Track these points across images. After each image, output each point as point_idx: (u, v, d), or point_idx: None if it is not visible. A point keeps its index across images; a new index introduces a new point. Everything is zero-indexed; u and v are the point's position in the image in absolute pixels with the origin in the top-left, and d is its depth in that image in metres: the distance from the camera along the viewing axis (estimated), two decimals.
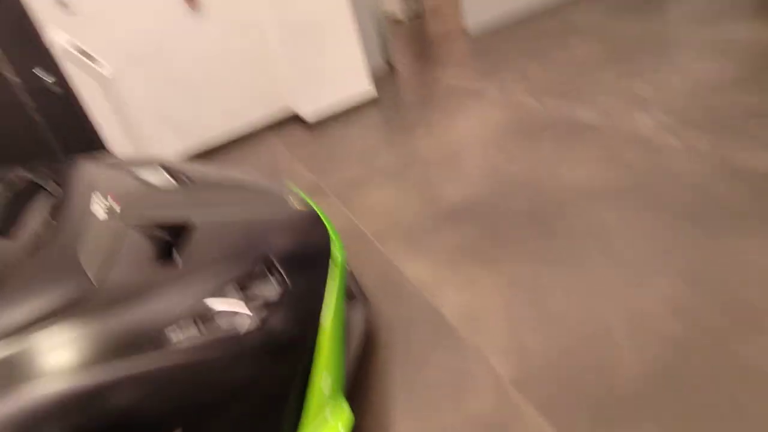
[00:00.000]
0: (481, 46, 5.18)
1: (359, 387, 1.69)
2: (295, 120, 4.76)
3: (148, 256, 1.36)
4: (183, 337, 1.13)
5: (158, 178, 1.91)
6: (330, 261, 1.60)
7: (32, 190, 1.87)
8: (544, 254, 2.04)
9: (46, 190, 1.83)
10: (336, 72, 4.28)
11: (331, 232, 1.73)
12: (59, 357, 1.06)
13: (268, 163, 3.96)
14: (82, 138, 3.93)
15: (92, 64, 2.76)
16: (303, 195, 2.01)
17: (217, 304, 1.22)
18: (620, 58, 3.66)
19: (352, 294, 1.82)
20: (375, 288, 2.16)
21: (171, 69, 4.19)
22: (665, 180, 2.25)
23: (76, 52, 2.76)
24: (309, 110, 4.35)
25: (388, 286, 2.16)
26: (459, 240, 2.30)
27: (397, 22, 7.76)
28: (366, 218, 2.72)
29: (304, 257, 1.53)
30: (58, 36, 2.78)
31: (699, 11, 4.07)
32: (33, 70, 2.72)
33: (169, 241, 1.44)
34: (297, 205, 1.80)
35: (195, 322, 1.16)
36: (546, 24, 5.12)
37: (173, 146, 4.44)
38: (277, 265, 1.39)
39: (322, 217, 1.81)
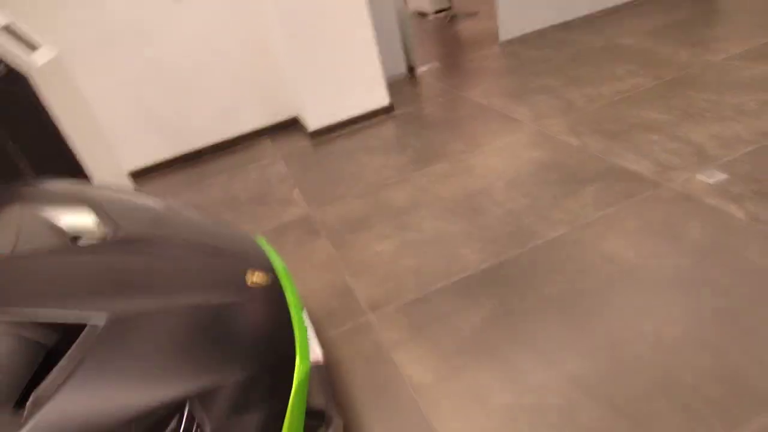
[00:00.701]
0: (516, 58, 4.66)
1: None
2: (296, 126, 4.30)
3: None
4: None
5: (79, 223, 1.44)
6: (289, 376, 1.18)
7: None
8: (579, 359, 1.59)
9: None
10: (347, 75, 3.81)
11: (297, 323, 1.30)
12: None
13: (258, 180, 3.52)
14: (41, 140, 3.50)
15: (21, 52, 2.28)
16: (272, 253, 1.57)
17: None
18: (675, 95, 3.15)
19: (319, 414, 1.38)
20: (359, 389, 1.73)
21: (153, 60, 3.74)
22: (732, 264, 1.78)
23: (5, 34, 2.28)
24: (313, 117, 3.89)
25: (378, 390, 1.72)
26: (473, 324, 1.86)
27: (422, 15, 7.23)
28: (362, 278, 2.28)
29: (248, 385, 1.09)
30: None
31: (754, 40, 3.54)
32: None
33: (49, 350, 0.99)
34: (256, 279, 1.35)
35: None
36: (588, 40, 4.58)
37: (155, 149, 4.01)
38: (198, 411, 0.96)
39: (289, 297, 1.38)
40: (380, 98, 3.99)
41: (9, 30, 2.39)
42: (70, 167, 3.91)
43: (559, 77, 3.91)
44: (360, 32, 3.70)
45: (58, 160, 3.88)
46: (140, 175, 4.05)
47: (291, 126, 4.31)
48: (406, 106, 4.15)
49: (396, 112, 4.07)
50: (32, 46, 2.51)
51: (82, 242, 1.35)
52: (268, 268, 1.43)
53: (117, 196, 1.64)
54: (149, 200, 1.71)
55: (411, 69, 4.90)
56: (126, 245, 1.31)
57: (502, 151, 3.05)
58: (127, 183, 3.06)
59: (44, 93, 2.39)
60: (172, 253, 1.35)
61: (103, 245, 1.29)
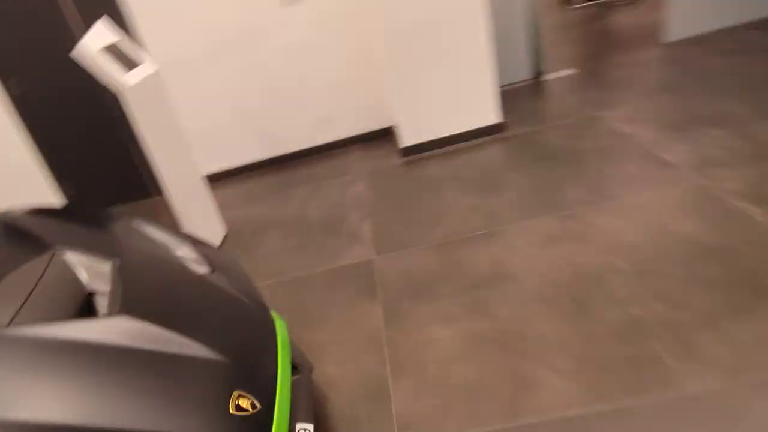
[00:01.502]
0: (685, 66, 3.64)
1: None
2: (390, 137, 3.83)
3: None
4: None
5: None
6: None
7: None
8: None
9: None
10: (452, 84, 3.21)
11: None
12: None
13: (335, 202, 3.12)
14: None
15: (118, 72, 2.19)
16: (284, 347, 1.42)
17: None
18: None
19: None
20: None
21: (256, 65, 3.54)
22: None
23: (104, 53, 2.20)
24: (408, 130, 3.37)
25: None
26: None
27: (565, 3, 6.22)
28: (405, 379, 1.75)
29: None
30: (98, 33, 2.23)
31: None
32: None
33: None
34: (242, 403, 1.16)
35: None
36: None
37: (247, 151, 3.84)
38: None
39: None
40: (489, 115, 3.33)
41: (113, 49, 2.33)
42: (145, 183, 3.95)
43: (747, 102, 2.89)
44: (474, 37, 3.07)
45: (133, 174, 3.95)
46: (229, 176, 3.91)
47: (385, 136, 3.85)
48: (521, 125, 3.43)
49: (507, 132, 3.38)
50: (133, 64, 2.43)
51: None
52: (265, 390, 1.24)
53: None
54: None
55: (538, 75, 4.11)
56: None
57: (639, 213, 2.25)
58: (202, 187, 2.85)
59: (133, 111, 2.33)
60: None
61: None
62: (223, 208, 3.39)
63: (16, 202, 3.93)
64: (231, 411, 1.13)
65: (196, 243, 1.77)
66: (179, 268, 1.54)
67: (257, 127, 3.76)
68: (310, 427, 1.39)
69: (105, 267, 1.42)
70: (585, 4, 5.96)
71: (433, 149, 3.41)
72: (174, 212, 2.61)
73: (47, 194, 3.87)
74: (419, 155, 3.40)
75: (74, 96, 3.53)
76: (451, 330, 1.90)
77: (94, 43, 2.23)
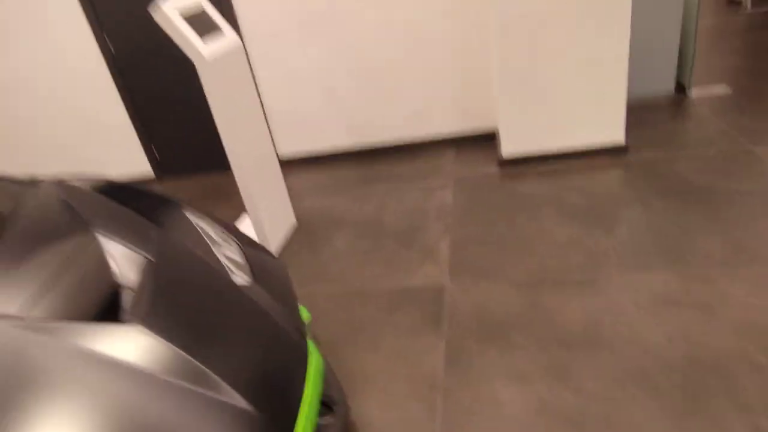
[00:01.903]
0: None
1: None
2: (490, 142, 3.49)
3: None
4: None
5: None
6: None
7: None
8: None
9: None
10: (570, 92, 2.81)
11: None
12: None
13: (415, 208, 2.88)
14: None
15: (197, 41, 2.11)
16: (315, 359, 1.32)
17: None
18: None
19: None
20: None
21: (351, 48, 3.35)
22: None
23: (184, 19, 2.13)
24: (510, 139, 3.03)
25: None
26: None
27: (734, 3, 5.36)
28: None
29: None
30: None
31: None
32: None
33: None
34: None
35: None
36: None
37: (335, 137, 3.71)
38: None
39: None
40: (612, 132, 2.88)
41: (196, 15, 2.28)
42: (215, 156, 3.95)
43: None
44: (608, 35, 2.63)
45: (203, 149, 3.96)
46: (308, 162, 3.83)
47: (483, 141, 3.52)
48: (649, 149, 2.93)
49: (630, 156, 2.91)
50: (215, 33, 2.35)
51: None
52: None
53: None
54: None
55: (679, 89, 3.52)
56: None
57: None
58: (276, 171, 2.77)
59: (208, 82, 2.24)
60: None
61: None
62: (297, 196, 3.30)
63: (105, 160, 4.16)
64: None
65: (245, 244, 1.63)
66: (218, 275, 1.40)
67: (344, 113, 3.60)
68: None
69: (139, 261, 1.32)
70: (759, 9, 5.07)
71: (537, 164, 3.03)
72: (241, 193, 2.52)
73: (135, 156, 4.04)
74: (520, 168, 3.04)
75: (169, 59, 3.58)
76: (520, 393, 1.60)
77: (176, 6, 2.16)
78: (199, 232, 1.57)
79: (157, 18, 2.14)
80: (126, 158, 4.07)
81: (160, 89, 3.72)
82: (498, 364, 1.73)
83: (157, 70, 3.64)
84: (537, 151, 3.01)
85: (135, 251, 1.35)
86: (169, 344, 1.09)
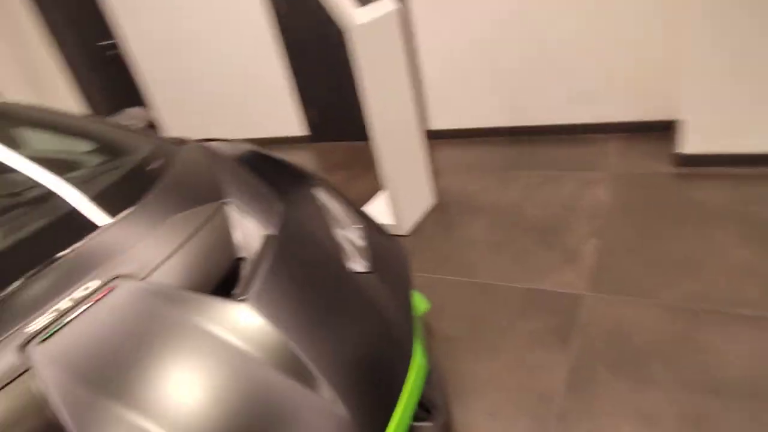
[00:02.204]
0: None
1: None
2: (666, 133, 3.03)
3: None
4: None
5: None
6: None
7: None
8: None
9: None
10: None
11: None
12: None
13: (564, 202, 2.66)
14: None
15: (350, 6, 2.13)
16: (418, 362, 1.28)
17: None
18: None
19: None
20: None
21: (517, 12, 3.12)
22: None
23: None
24: (696, 134, 2.59)
25: None
26: None
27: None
28: None
29: None
30: None
31: None
32: None
33: None
34: None
35: None
36: None
37: (490, 113, 3.56)
38: None
39: None
40: None
41: None
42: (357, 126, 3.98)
43: None
44: None
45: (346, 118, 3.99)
46: (457, 137, 3.75)
47: (659, 131, 3.08)
48: None
49: None
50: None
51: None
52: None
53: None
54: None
55: None
56: None
57: None
58: (419, 146, 2.77)
59: (357, 51, 2.25)
60: None
61: None
62: (440, 173, 3.26)
63: (264, 120, 4.52)
64: None
65: (369, 227, 1.62)
66: (333, 259, 1.41)
67: (505, 88, 3.41)
68: None
69: (259, 235, 1.35)
70: None
71: (724, 165, 2.57)
72: (379, 168, 2.56)
73: (292, 118, 4.32)
74: (700, 169, 2.61)
75: (333, 21, 3.68)
76: None
77: None
78: (323, 211, 1.58)
79: None
80: (283, 119, 4.40)
81: (322, 52, 3.88)
82: (627, 399, 1.55)
83: (321, 32, 3.79)
84: (727, 150, 2.54)
85: (258, 224, 1.38)
86: (275, 329, 1.10)
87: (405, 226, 2.67)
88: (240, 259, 1.28)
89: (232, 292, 1.18)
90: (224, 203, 1.43)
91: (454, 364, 1.83)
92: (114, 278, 1.15)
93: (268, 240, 1.33)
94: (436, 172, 3.28)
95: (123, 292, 1.11)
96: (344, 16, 2.21)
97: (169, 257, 1.23)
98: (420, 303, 1.91)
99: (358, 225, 1.60)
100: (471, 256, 2.40)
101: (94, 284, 1.14)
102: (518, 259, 2.30)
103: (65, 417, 0.90)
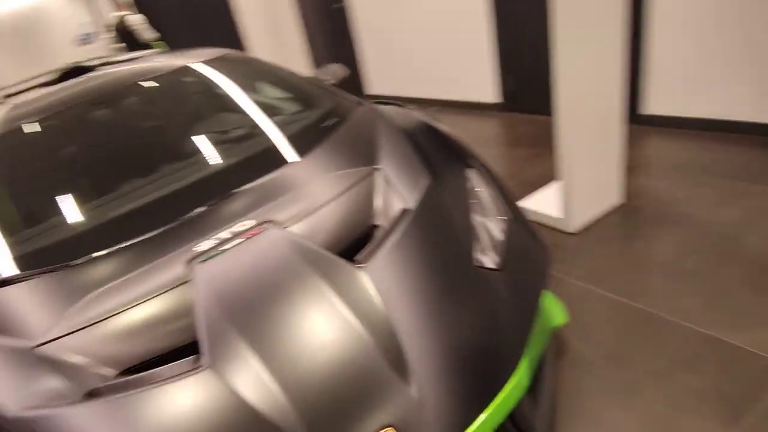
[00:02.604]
0: None
1: None
2: None
3: None
4: None
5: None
6: None
7: None
8: None
9: None
10: None
11: None
12: None
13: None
14: None
15: None
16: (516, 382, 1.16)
17: None
18: None
19: None
20: None
21: None
22: None
23: None
24: None
25: None
26: None
27: None
28: None
29: None
30: None
31: None
32: None
33: None
34: None
35: None
36: None
37: (732, 101, 2.83)
38: None
39: None
40: None
41: None
42: None
43: None
44: None
45: None
46: (691, 128, 3.04)
47: None
48: None
49: None
50: None
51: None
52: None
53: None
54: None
55: None
56: None
57: None
58: (615, 133, 2.34)
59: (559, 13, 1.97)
60: None
61: None
62: (638, 169, 2.70)
63: (460, 83, 4.30)
64: None
65: (516, 222, 1.49)
66: (465, 247, 1.34)
67: (758, 72, 2.63)
68: None
69: (398, 206, 1.39)
70: None
71: None
72: (558, 149, 2.20)
73: (488, 84, 4.03)
74: None
75: None
76: None
77: None
78: (470, 194, 1.50)
79: None
80: (478, 84, 4.17)
81: (533, 13, 3.53)
82: None
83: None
84: None
85: (399, 196, 1.42)
86: (383, 306, 1.13)
87: (574, 223, 2.30)
88: (375, 227, 1.35)
89: (355, 257, 1.24)
90: (375, 169, 1.50)
91: (575, 396, 1.53)
92: (265, 222, 1.32)
93: (404, 214, 1.36)
94: (633, 167, 2.73)
95: (268, 236, 1.26)
96: None
97: (314, 212, 1.36)
98: (556, 313, 1.62)
99: (503, 216, 1.48)
100: (647, 277, 1.95)
101: (249, 223, 1.33)
102: (712, 296, 1.78)
103: (202, 332, 1.07)
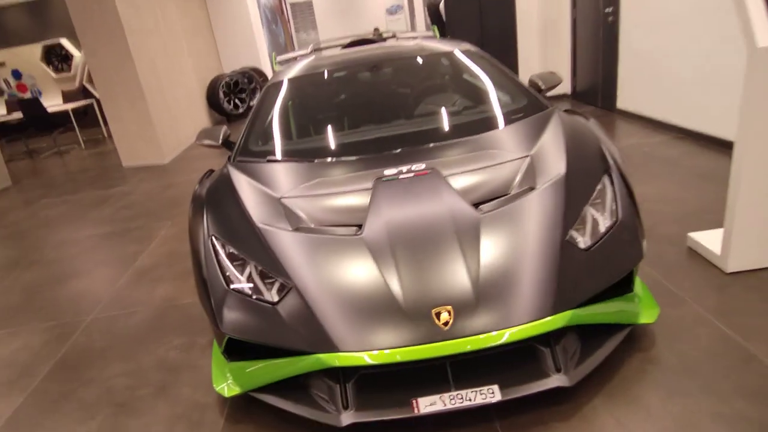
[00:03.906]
0: None
1: None
2: None
3: None
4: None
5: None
6: None
7: None
8: None
9: None
10: None
11: None
12: None
13: None
14: None
15: None
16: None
17: None
18: None
19: None
20: None
21: None
22: None
23: None
24: None
25: None
26: None
27: None
28: None
29: None
30: None
31: None
32: None
33: None
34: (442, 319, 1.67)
35: None
36: None
37: None
38: None
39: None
40: None
41: None
42: None
43: None
44: None
45: None
46: None
47: None
48: None
49: None
50: None
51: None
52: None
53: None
54: None
55: None
56: None
57: None
58: None
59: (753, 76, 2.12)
60: None
61: None
62: None
63: (702, 115, 4.02)
64: None
65: (624, 226, 1.89)
66: (564, 228, 1.82)
67: None
68: None
69: (527, 185, 2.01)
70: None
71: None
72: (730, 190, 2.32)
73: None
74: None
75: None
76: None
77: None
78: (592, 192, 1.96)
79: None
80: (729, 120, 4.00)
81: None
82: None
83: None
84: None
85: (533, 178, 2.02)
86: (480, 243, 1.78)
87: (731, 264, 2.41)
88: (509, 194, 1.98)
89: (480, 206, 1.91)
90: (526, 156, 2.13)
91: (632, 381, 1.87)
92: (432, 168, 2.11)
93: (527, 191, 1.94)
94: None
95: (429, 178, 2.05)
96: (750, 31, 2.05)
97: (470, 172, 2.09)
98: (644, 311, 1.95)
99: (612, 218, 1.89)
100: None
101: (422, 166, 2.14)
102: None
103: (367, 220, 1.92)
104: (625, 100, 5.39)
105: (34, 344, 2.80)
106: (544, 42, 6.70)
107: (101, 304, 3.14)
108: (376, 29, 4.66)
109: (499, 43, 6.36)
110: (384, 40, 3.60)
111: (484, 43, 6.37)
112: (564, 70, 6.55)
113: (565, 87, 6.65)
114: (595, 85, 5.90)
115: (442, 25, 6.56)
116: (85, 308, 3.12)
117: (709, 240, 2.56)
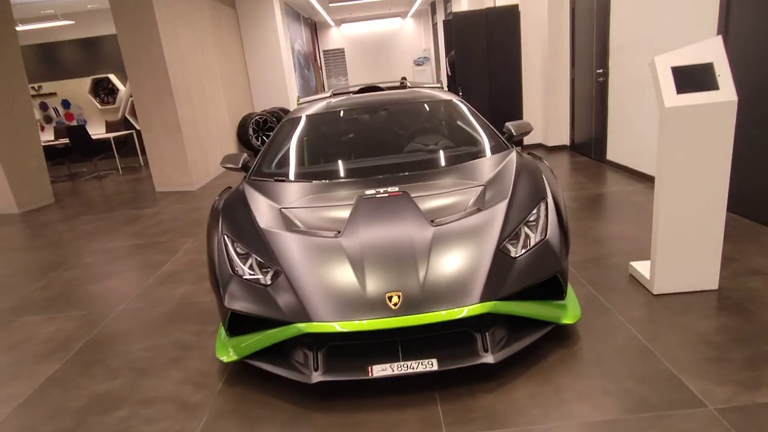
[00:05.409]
0: None
1: None
2: None
3: None
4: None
5: None
6: None
7: None
8: None
9: None
10: None
11: None
12: None
13: None
14: None
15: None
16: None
17: None
18: None
19: None
20: None
21: None
22: None
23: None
24: None
25: None
26: None
27: None
28: None
29: None
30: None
31: None
32: None
33: None
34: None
35: None
36: None
37: None
38: None
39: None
40: None
41: (688, 70, 2.58)
42: None
43: None
44: None
45: None
46: None
47: None
48: None
49: None
50: (707, 87, 2.60)
51: None
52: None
53: None
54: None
55: None
56: None
57: None
58: (715, 220, 2.69)
59: (665, 131, 2.57)
60: None
61: None
62: (744, 258, 2.92)
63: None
64: None
65: (549, 244, 2.42)
66: (499, 240, 2.37)
67: None
68: None
69: (475, 207, 2.56)
70: None
71: None
72: (654, 223, 2.80)
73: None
74: None
75: None
76: None
77: (672, 58, 2.57)
78: (529, 215, 2.50)
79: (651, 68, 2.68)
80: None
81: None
82: None
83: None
84: None
85: (482, 202, 2.60)
86: (431, 246, 2.33)
87: (657, 287, 2.86)
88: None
89: (434, 221, 2.46)
90: (481, 185, 2.72)
91: (551, 367, 2.33)
92: (403, 191, 2.71)
93: (474, 211, 2.50)
94: (738, 257, 2.96)
95: (400, 198, 2.63)
96: (659, 97, 2.58)
97: (434, 196, 2.67)
98: (567, 313, 2.43)
99: (541, 236, 2.41)
100: (677, 336, 2.47)
101: (395, 189, 2.74)
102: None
103: (346, 226, 2.51)
104: (613, 152, 5.91)
105: (69, 327, 3.38)
106: (545, 96, 7.34)
107: (129, 299, 3.72)
108: (404, 78, 5.50)
109: (505, 96, 7.06)
110: (405, 88, 4.38)
111: (491, 95, 7.06)
112: (564, 124, 7.15)
113: (564, 139, 7.21)
114: (590, 138, 6.46)
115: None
116: (115, 302, 3.70)
117: (644, 268, 3.03)
